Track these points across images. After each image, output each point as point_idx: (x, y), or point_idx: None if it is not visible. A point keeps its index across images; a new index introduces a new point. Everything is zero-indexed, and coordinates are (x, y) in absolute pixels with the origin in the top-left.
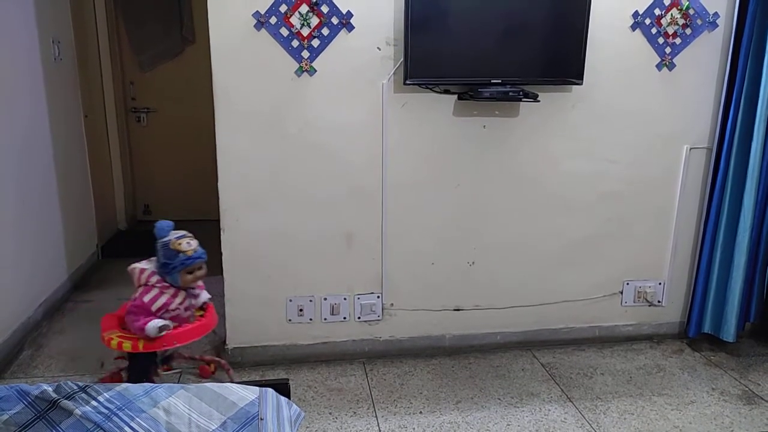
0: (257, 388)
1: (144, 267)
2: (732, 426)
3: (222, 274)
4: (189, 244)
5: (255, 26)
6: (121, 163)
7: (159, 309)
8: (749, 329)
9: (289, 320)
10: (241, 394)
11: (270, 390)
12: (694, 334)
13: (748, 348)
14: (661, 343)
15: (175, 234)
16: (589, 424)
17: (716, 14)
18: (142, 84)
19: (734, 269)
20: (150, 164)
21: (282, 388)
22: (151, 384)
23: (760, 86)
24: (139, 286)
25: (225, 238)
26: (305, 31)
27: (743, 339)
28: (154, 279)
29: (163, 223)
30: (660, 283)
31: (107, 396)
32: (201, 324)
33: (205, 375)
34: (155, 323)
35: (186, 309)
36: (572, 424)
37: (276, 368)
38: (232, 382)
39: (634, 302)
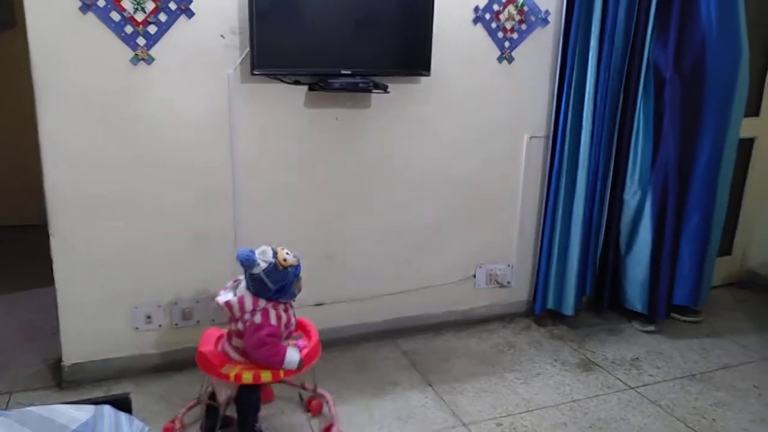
0: (92, 406)
1: (240, 295)
2: (572, 393)
3: (53, 284)
4: (288, 253)
5: (80, 9)
6: None
7: (285, 328)
8: (585, 302)
9: (136, 328)
10: (72, 415)
11: (107, 407)
12: (540, 311)
13: (585, 320)
14: (511, 321)
15: (269, 253)
16: (448, 406)
17: (547, 11)
18: None
19: (571, 248)
20: None
21: (122, 403)
22: None
23: (586, 80)
24: (245, 314)
25: (55, 244)
26: (139, 16)
27: (581, 312)
28: (263, 302)
29: (245, 253)
30: (509, 265)
31: None
32: (316, 340)
33: (313, 412)
34: (294, 358)
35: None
36: (432, 408)
37: (122, 382)
38: (330, 411)
39: (487, 285)
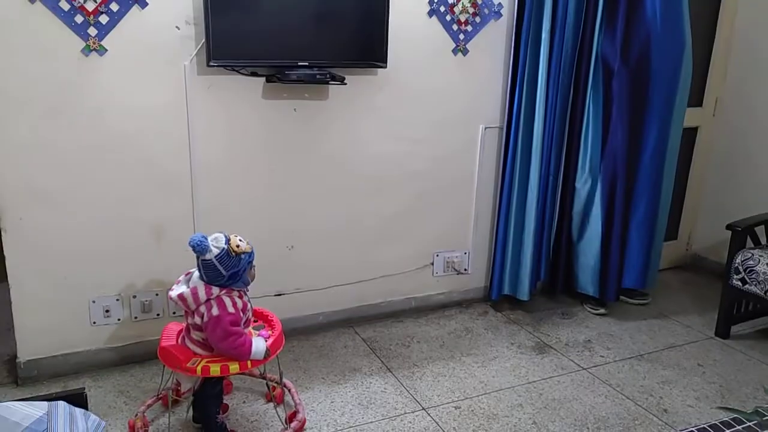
0: (45, 402)
1: (193, 286)
2: (527, 375)
3: (6, 279)
4: (242, 240)
5: None
6: None
7: (243, 313)
8: (540, 287)
9: (94, 323)
10: (25, 412)
11: (61, 403)
12: (496, 297)
13: (540, 304)
14: (469, 307)
15: (222, 240)
16: (408, 391)
17: (500, 4)
18: None
19: (526, 235)
20: None
21: (77, 399)
22: None
23: (539, 72)
24: (200, 305)
25: (7, 238)
26: (90, 6)
27: (536, 296)
28: (216, 290)
29: (197, 238)
30: (465, 253)
31: None
32: (280, 330)
33: (277, 400)
34: (260, 347)
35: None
36: (392, 393)
37: (81, 377)
38: (294, 402)
39: (444, 272)
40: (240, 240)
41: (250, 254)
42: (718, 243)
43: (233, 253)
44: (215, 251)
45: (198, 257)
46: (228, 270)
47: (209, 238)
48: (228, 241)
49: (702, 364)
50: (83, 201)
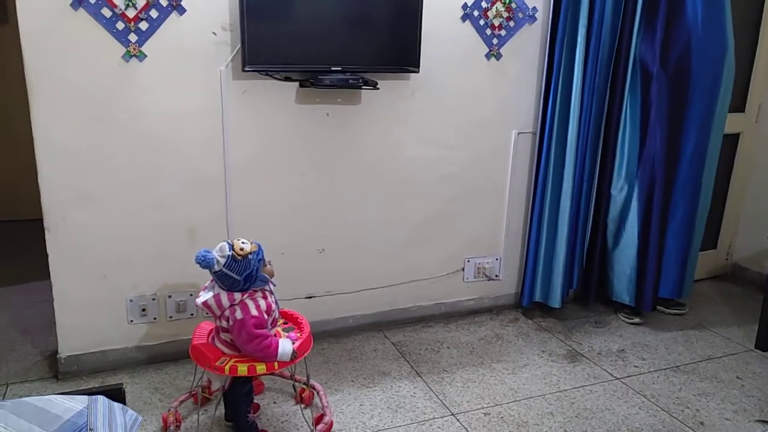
0: (86, 396)
1: (216, 293)
2: (559, 383)
3: (49, 277)
4: (244, 242)
5: (72, 5)
6: None
7: (268, 315)
8: (572, 295)
9: (131, 321)
10: (66, 405)
11: (100, 397)
12: (527, 304)
13: (572, 312)
14: (499, 314)
15: (226, 248)
16: (437, 396)
17: (535, 8)
18: None
19: (558, 242)
20: None
21: (116, 394)
22: None
23: (574, 76)
24: (224, 310)
25: (50, 237)
26: (131, 13)
27: (568, 304)
28: (238, 295)
29: (201, 254)
30: (497, 259)
31: None
32: (308, 332)
33: (305, 402)
34: (287, 348)
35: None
36: (421, 398)
37: (118, 373)
38: (321, 403)
39: (475, 278)
40: (243, 242)
41: (258, 252)
42: (759, 252)
43: (239, 257)
44: (222, 261)
45: (210, 271)
46: (241, 274)
47: (214, 251)
48: (231, 247)
49: (741, 377)
50: (122, 202)
